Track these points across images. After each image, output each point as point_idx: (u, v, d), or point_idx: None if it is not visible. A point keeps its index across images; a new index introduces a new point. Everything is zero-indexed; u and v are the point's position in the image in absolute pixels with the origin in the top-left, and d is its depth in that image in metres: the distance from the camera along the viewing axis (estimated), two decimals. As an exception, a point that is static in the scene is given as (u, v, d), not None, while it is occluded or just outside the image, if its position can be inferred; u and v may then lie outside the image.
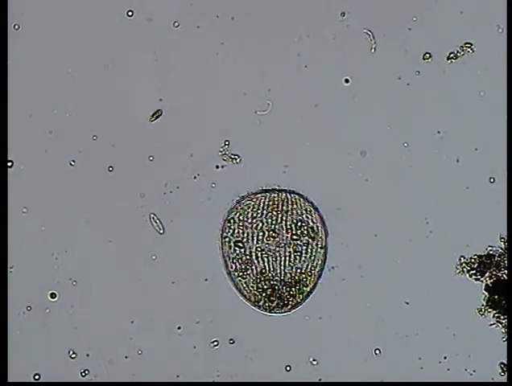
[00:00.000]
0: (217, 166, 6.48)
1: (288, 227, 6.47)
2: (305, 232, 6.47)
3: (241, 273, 6.47)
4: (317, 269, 6.52)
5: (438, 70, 6.45)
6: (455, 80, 6.46)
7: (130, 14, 6.42)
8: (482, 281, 6.46)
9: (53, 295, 6.48)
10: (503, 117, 6.35)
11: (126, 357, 6.49)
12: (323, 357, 6.51)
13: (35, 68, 6.46)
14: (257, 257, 6.46)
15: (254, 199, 6.48)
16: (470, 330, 6.46)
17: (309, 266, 6.50)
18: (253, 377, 6.48)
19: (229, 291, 6.52)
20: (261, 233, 6.45)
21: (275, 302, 6.51)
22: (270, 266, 6.46)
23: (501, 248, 6.44)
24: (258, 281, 6.47)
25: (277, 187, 6.50)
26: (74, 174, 6.48)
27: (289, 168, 6.50)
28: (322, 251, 6.50)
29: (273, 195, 6.48)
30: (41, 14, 6.46)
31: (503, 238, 6.42)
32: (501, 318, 6.43)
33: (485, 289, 6.45)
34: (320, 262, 6.52)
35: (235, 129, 6.48)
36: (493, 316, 6.44)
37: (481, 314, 6.44)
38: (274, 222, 6.46)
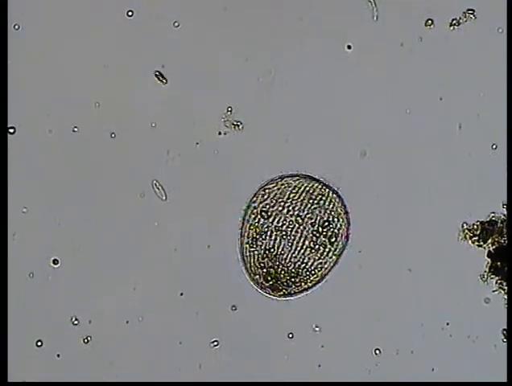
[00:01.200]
0: (220, 133, 6.47)
1: (316, 222, 6.45)
2: (328, 233, 6.45)
3: (250, 242, 6.45)
4: (322, 272, 6.51)
5: (440, 36, 6.45)
6: (457, 46, 6.46)
7: (129, 14, 6.42)
8: (485, 248, 6.45)
9: (55, 261, 6.48)
10: (504, 83, 6.34)
11: (127, 322, 6.49)
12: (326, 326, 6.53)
13: (35, 68, 6.45)
14: (272, 234, 6.44)
15: (299, 182, 6.45)
16: (473, 297, 6.45)
17: (316, 265, 6.49)
18: (254, 345, 6.49)
19: (231, 258, 6.51)
20: (288, 215, 6.43)
21: (269, 283, 6.49)
22: (280, 248, 6.45)
23: (504, 215, 6.43)
24: (263, 256, 6.46)
25: (324, 180, 6.47)
26: (76, 140, 6.47)
27: (291, 136, 6.50)
28: (334, 258, 6.49)
29: (318, 186, 6.46)
30: (41, 14, 6.45)
31: (506, 204, 6.42)
32: (504, 284, 6.43)
33: (488, 256, 6.45)
34: (327, 266, 6.51)
35: (238, 95, 6.48)
36: (496, 282, 6.44)
37: (484, 281, 6.44)
38: (305, 211, 6.43)
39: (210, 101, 6.47)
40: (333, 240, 6.47)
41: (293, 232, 6.45)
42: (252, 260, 6.48)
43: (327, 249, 6.47)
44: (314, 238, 6.45)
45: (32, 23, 6.44)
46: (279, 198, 6.45)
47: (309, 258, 6.47)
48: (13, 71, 6.39)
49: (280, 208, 6.45)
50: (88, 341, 6.49)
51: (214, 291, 6.51)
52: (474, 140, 6.47)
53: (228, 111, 6.46)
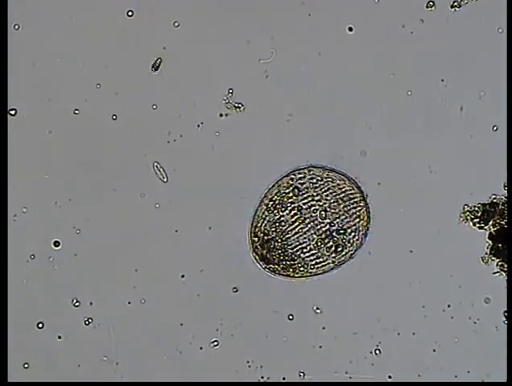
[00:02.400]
0: (221, 115, 6.47)
1: (336, 223, 6.45)
2: (339, 239, 6.45)
3: (270, 205, 6.43)
4: (315, 271, 6.51)
5: (441, 18, 6.44)
6: (458, 28, 6.45)
7: (129, 14, 6.41)
8: (486, 230, 6.45)
9: (56, 243, 6.48)
10: (505, 65, 6.34)
11: (129, 303, 6.49)
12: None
13: (35, 68, 6.45)
14: (291, 211, 6.43)
15: (344, 183, 6.46)
16: (474, 279, 6.46)
17: (313, 262, 6.49)
18: (255, 327, 6.50)
19: (232, 240, 6.52)
20: (317, 203, 6.43)
21: (263, 251, 6.47)
22: (291, 227, 6.44)
23: (505, 197, 6.43)
24: (271, 224, 6.44)
25: (364, 195, 6.49)
26: (78, 122, 6.47)
27: (292, 117, 6.49)
28: (333, 265, 6.50)
29: (358, 196, 6.47)
30: (41, 14, 6.45)
31: (507, 186, 6.42)
32: (505, 266, 6.43)
33: (489, 238, 6.45)
34: (321, 268, 6.51)
35: (239, 77, 6.47)
36: (497, 264, 6.44)
37: (485, 263, 6.44)
38: (333, 210, 6.44)
39: (211, 83, 6.47)
40: (339, 249, 6.46)
41: (310, 222, 6.45)
42: (262, 222, 6.46)
43: (329, 254, 6.47)
44: (324, 237, 6.44)
45: (32, 23, 6.44)
46: (320, 186, 6.43)
47: (310, 251, 6.46)
48: (13, 71, 6.39)
49: (315, 194, 6.45)
50: (89, 323, 6.50)
51: (216, 273, 6.52)
52: (475, 122, 6.47)
53: (229, 93, 6.46)
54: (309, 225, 6.45)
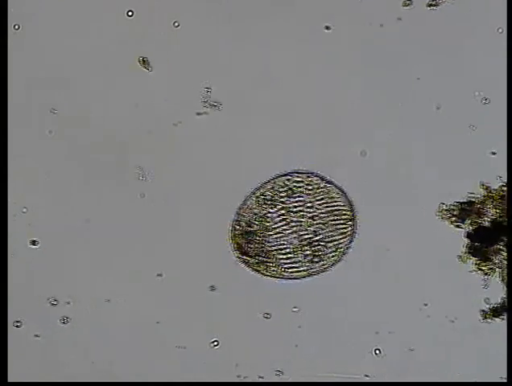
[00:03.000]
0: (198, 113, 6.48)
1: (318, 235, 6.45)
2: (318, 250, 6.45)
3: (261, 199, 6.43)
4: (287, 275, 6.49)
5: (419, 17, 6.45)
6: (435, 26, 6.46)
7: (129, 14, 6.42)
8: (463, 228, 6.45)
9: (35, 242, 6.48)
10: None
11: (108, 300, 6.50)
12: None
13: (35, 68, 6.46)
14: (279, 210, 6.43)
15: (340, 198, 6.46)
16: (450, 277, 6.45)
17: (287, 266, 6.48)
18: (232, 325, 6.51)
19: (209, 239, 6.52)
20: (306, 209, 6.43)
21: (242, 240, 6.46)
22: (275, 225, 6.44)
23: (482, 195, 6.44)
24: (257, 217, 6.43)
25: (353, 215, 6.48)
26: (56, 122, 6.47)
27: (270, 115, 6.50)
28: (305, 274, 6.49)
29: (347, 214, 6.46)
30: (41, 14, 6.46)
31: (484, 185, 6.42)
32: (482, 264, 6.43)
33: (466, 236, 6.45)
34: (296, 274, 6.50)
35: (217, 76, 6.48)
36: (474, 263, 6.44)
37: (462, 261, 6.44)
38: (320, 221, 6.45)
39: (189, 82, 6.48)
40: (316, 260, 6.46)
41: (295, 226, 6.45)
42: (248, 213, 6.46)
43: (304, 262, 6.47)
44: (305, 244, 6.44)
45: (32, 23, 6.46)
46: (314, 193, 6.43)
47: (286, 255, 6.45)
48: (13, 71, 6.41)
49: (307, 200, 6.45)
50: (66, 322, 6.49)
51: (194, 272, 6.52)
52: (453, 120, 6.47)
53: (207, 92, 6.46)
54: (293, 229, 6.44)
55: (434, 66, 6.46)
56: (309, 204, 6.44)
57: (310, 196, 6.44)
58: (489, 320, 6.41)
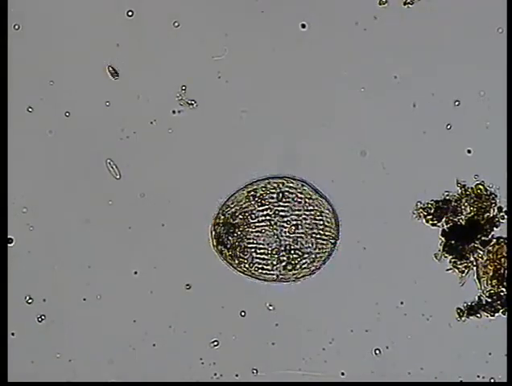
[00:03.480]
0: (174, 112, 6.47)
1: (297, 244, 6.45)
2: (294, 259, 6.45)
3: (250, 196, 6.42)
4: (257, 275, 6.48)
5: (395, 15, 6.45)
6: (411, 25, 6.46)
7: (129, 14, 6.42)
8: (439, 227, 6.45)
9: (10, 240, 6.48)
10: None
11: (84, 299, 6.49)
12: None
13: (35, 68, 6.46)
14: (265, 210, 6.44)
15: (329, 214, 6.47)
16: (426, 276, 6.45)
17: (260, 266, 6.47)
18: (209, 324, 6.51)
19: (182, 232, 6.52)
20: (292, 215, 6.43)
21: (221, 230, 6.46)
22: (258, 223, 6.44)
23: (458, 194, 6.44)
24: (241, 211, 6.43)
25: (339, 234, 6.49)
26: (31, 120, 6.47)
27: (247, 113, 6.49)
28: (275, 278, 6.48)
29: (332, 231, 6.47)
30: (41, 14, 6.45)
31: (460, 183, 6.42)
32: (458, 263, 6.43)
33: (442, 235, 6.45)
34: (265, 277, 6.49)
35: (192, 74, 6.48)
36: (450, 261, 6.44)
37: (438, 260, 6.44)
38: (302, 230, 6.44)
39: (164, 80, 6.47)
40: (289, 267, 6.45)
41: (277, 228, 6.44)
42: (235, 205, 6.46)
43: (277, 267, 6.46)
44: (282, 249, 6.44)
45: (32, 23, 6.45)
46: (305, 203, 6.43)
47: (262, 255, 6.45)
48: (13, 71, 6.41)
49: (295, 208, 6.44)
50: (42, 319, 6.49)
51: (171, 269, 6.52)
52: (428, 118, 6.47)
53: (182, 90, 6.46)
54: (274, 231, 6.44)
55: (409, 64, 6.46)
56: (297, 212, 6.44)
57: (300, 205, 6.43)
58: (465, 318, 6.41)
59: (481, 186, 6.41)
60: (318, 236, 6.46)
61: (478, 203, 6.41)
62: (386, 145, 6.47)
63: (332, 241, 6.46)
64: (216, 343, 6.47)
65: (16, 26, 6.41)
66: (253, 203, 6.46)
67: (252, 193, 6.46)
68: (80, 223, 6.49)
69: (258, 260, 6.46)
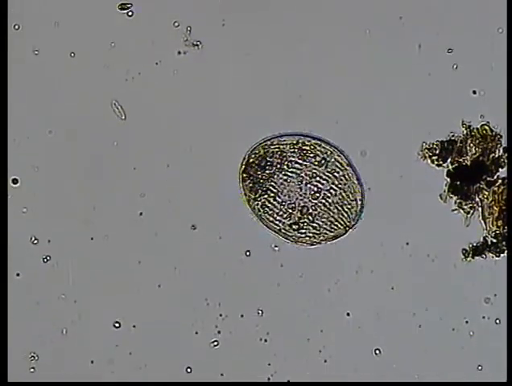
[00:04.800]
0: (179, 52, 6.47)
1: (317, 212, 6.43)
2: (304, 222, 6.42)
3: (295, 148, 6.40)
4: (263, 219, 6.47)
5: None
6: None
7: (130, 14, 6.42)
8: (444, 167, 6.45)
9: (15, 181, 6.49)
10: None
11: (92, 239, 6.51)
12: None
13: (35, 68, 6.47)
14: (300, 168, 6.43)
15: (356, 193, 6.46)
16: (432, 217, 6.45)
17: (270, 212, 6.46)
18: (213, 264, 6.51)
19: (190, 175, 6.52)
20: (321, 184, 6.41)
21: (252, 162, 6.46)
22: (289, 175, 6.43)
23: (463, 134, 6.43)
24: (281, 157, 6.41)
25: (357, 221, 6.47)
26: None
27: (250, 56, 6.49)
28: (277, 232, 6.48)
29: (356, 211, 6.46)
30: (41, 14, 6.46)
31: (465, 124, 6.42)
32: (463, 204, 6.43)
33: (447, 175, 6.45)
34: (269, 224, 6.48)
35: (197, 16, 6.48)
36: (455, 202, 6.44)
37: (443, 200, 6.43)
38: (328, 199, 6.42)
39: (169, 21, 6.47)
40: (295, 227, 6.44)
41: (304, 188, 6.41)
42: (276, 147, 6.44)
43: (284, 220, 6.46)
44: (297, 208, 6.41)
45: (32, 23, 6.45)
46: (340, 179, 6.42)
47: (277, 203, 6.44)
48: (13, 71, 6.41)
49: (331, 180, 6.42)
50: (47, 260, 6.50)
51: (174, 211, 6.53)
52: (434, 59, 6.46)
53: (187, 31, 6.46)
54: (300, 189, 6.41)
55: (415, 4, 6.46)
56: (329, 185, 6.42)
57: (336, 178, 6.42)
58: (470, 259, 6.41)
59: (486, 127, 6.40)
60: (335, 216, 6.45)
61: (483, 144, 6.40)
62: (392, 86, 6.46)
63: (345, 229, 6.45)
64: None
65: (16, 26, 6.41)
66: (296, 152, 6.42)
67: (299, 145, 6.43)
68: (85, 163, 6.50)
69: (270, 206, 6.44)
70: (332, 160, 6.43)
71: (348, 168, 6.44)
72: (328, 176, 6.43)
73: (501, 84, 6.34)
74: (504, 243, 6.39)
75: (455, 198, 6.43)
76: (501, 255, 6.40)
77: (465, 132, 6.42)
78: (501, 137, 6.40)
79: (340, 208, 6.43)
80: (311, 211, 6.43)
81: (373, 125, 6.47)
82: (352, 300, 6.50)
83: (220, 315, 6.52)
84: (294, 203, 6.42)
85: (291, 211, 6.43)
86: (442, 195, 6.43)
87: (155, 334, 6.51)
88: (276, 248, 6.50)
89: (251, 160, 6.45)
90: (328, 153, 6.44)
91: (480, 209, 6.43)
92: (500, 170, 6.42)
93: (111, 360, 6.51)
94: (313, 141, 6.45)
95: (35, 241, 6.49)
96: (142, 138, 6.51)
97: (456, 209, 6.43)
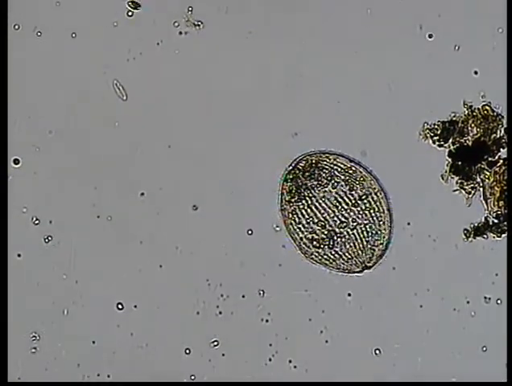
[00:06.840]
0: (180, 33, 6.47)
1: (339, 240, 6.43)
2: (325, 243, 6.43)
3: (346, 172, 6.42)
4: (287, 223, 6.46)
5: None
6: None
7: (129, 14, 6.42)
8: (445, 147, 6.45)
9: (16, 161, 6.48)
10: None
11: (98, 217, 6.52)
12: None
13: (35, 68, 6.47)
14: (344, 194, 6.42)
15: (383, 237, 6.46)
16: (433, 197, 6.45)
17: (296, 221, 6.45)
18: (214, 245, 6.51)
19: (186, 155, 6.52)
20: (358, 218, 6.42)
21: (303, 166, 6.44)
22: (331, 194, 6.41)
23: (465, 115, 6.43)
24: (330, 171, 6.42)
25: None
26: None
27: (252, 34, 6.49)
28: (297, 245, 6.49)
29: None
30: (41, 14, 6.46)
31: (466, 104, 6.42)
32: (465, 184, 6.43)
33: (449, 156, 6.45)
34: (290, 234, 6.48)
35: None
36: (457, 182, 6.44)
37: (444, 180, 6.43)
38: (349, 234, 6.41)
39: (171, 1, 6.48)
40: (315, 244, 6.42)
41: (337, 212, 6.40)
42: (326, 162, 6.45)
43: (306, 236, 6.46)
44: (327, 230, 6.41)
45: (32, 23, 6.45)
46: (376, 222, 6.42)
47: (308, 217, 6.42)
48: (13, 71, 6.41)
49: (371, 218, 6.41)
50: (49, 240, 6.50)
51: (176, 191, 6.53)
52: (436, 42, 6.45)
53: (188, 11, 6.46)
54: (334, 212, 6.41)
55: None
56: (363, 219, 6.42)
57: (374, 217, 6.43)
58: (472, 239, 6.41)
59: (487, 107, 6.40)
60: (355, 253, 6.45)
61: (485, 124, 6.41)
62: (392, 66, 6.46)
63: (360, 267, 6.45)
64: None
65: (16, 26, 6.41)
66: (345, 176, 6.42)
67: (351, 172, 6.42)
68: (86, 144, 6.50)
69: (299, 215, 6.44)
70: (371, 199, 6.43)
71: (386, 212, 6.44)
72: (365, 213, 6.43)
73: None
74: (505, 223, 6.39)
75: (456, 178, 6.43)
76: (503, 235, 6.40)
77: (467, 112, 6.42)
78: (503, 117, 6.41)
79: (364, 247, 6.43)
80: (335, 235, 6.42)
81: (376, 105, 6.46)
82: (352, 280, 6.50)
83: (222, 296, 6.52)
84: (324, 220, 6.40)
85: (317, 226, 6.41)
86: (443, 176, 6.43)
87: (156, 315, 6.50)
88: (277, 229, 6.50)
89: (301, 164, 6.45)
90: (369, 188, 6.45)
91: (481, 189, 6.43)
92: (501, 150, 6.43)
93: (112, 339, 6.51)
94: (364, 173, 6.46)
95: (37, 222, 6.48)
96: (144, 118, 6.51)
97: (457, 189, 6.43)
